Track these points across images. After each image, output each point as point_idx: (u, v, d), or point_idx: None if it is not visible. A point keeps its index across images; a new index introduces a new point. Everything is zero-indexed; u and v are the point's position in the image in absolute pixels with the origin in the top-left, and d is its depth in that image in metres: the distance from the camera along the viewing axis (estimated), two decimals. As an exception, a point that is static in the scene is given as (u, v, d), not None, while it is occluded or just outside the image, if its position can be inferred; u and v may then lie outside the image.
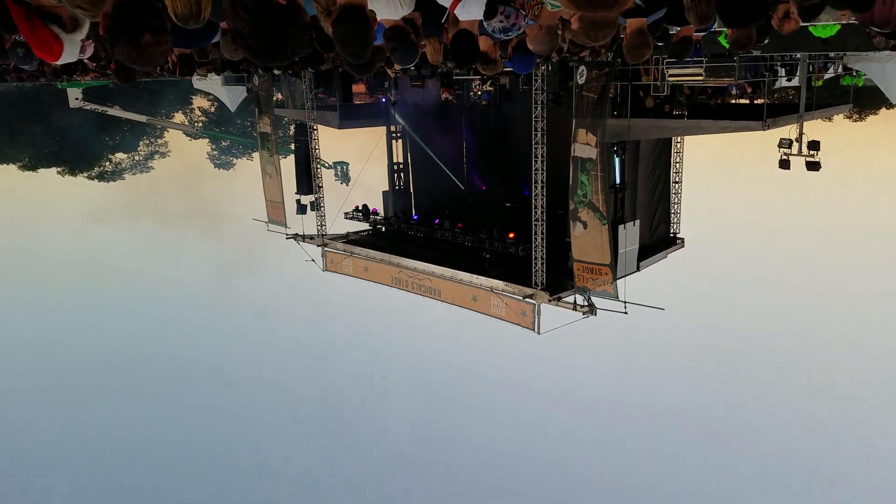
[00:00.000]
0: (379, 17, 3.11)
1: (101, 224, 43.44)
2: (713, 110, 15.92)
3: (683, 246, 17.71)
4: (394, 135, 21.74)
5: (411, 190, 21.70)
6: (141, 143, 42.96)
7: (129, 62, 1.62)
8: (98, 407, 35.61)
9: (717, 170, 33.92)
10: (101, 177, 42.50)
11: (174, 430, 35.23)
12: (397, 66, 4.39)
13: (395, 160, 21.86)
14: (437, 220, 18.34)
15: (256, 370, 38.71)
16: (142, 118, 33.78)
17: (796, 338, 34.02)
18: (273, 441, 35.58)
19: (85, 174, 41.99)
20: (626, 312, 14.09)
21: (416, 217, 19.83)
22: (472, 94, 18.16)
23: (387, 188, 21.90)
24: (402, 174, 21.91)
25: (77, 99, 26.43)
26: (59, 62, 2.90)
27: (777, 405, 32.87)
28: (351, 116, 20.13)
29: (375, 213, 20.49)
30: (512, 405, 36.14)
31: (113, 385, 36.84)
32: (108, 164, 42.67)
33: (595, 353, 33.40)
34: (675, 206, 17.85)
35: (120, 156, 42.90)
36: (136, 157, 43.12)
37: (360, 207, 20.45)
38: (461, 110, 19.00)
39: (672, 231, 17.89)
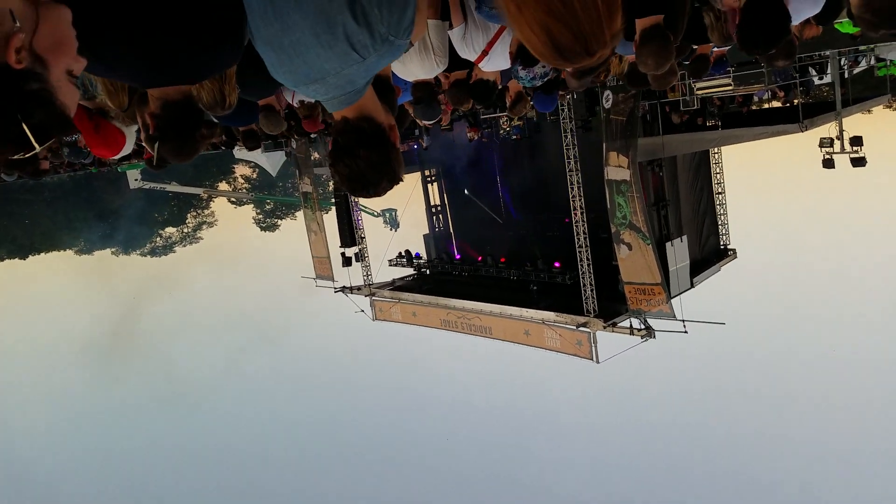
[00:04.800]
0: (412, 78, 3.24)
1: (156, 300, 45.20)
2: (747, 118, 15.66)
3: (736, 256, 17.23)
4: (429, 179, 22.08)
5: (451, 231, 21.84)
6: (188, 215, 44.64)
7: (174, 157, 1.65)
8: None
9: (761, 176, 33.15)
10: (153, 252, 44.14)
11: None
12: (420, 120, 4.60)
13: (432, 203, 22.13)
14: (479, 258, 18.34)
15: (323, 423, 38.91)
16: (198, 191, 35.24)
17: (865, 338, 32.36)
18: (339, 485, 35.41)
19: (138, 252, 43.75)
20: (685, 331, 13.65)
21: (458, 257, 19.87)
22: (501, 130, 18.36)
23: (427, 231, 22.12)
24: (440, 216, 22.12)
25: (136, 180, 27.50)
26: (119, 156, 3.13)
27: (850, 418, 31.11)
28: (385, 166, 20.53)
29: (418, 257, 20.61)
30: (578, 438, 35.16)
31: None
32: (158, 239, 44.38)
33: (660, 377, 32.43)
34: (723, 218, 17.46)
35: (170, 230, 44.59)
36: (185, 230, 44.71)
37: (403, 253, 20.63)
38: (492, 147, 19.19)
39: (723, 243, 17.45)
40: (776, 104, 17.14)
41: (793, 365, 33.76)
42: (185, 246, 44.38)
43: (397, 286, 19.50)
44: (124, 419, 38.31)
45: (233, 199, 42.92)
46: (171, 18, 1.22)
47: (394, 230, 22.85)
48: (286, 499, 35.68)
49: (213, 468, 36.83)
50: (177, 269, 44.31)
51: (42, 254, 43.79)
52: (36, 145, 0.86)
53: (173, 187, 31.37)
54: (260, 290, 46.30)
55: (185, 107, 1.55)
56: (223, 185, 43.29)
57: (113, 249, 42.98)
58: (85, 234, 41.56)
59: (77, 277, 43.24)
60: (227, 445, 37.65)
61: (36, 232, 42.65)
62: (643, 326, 14.04)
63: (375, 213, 23.20)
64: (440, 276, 19.42)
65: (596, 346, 14.35)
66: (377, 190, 1.29)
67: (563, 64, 0.97)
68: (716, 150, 17.06)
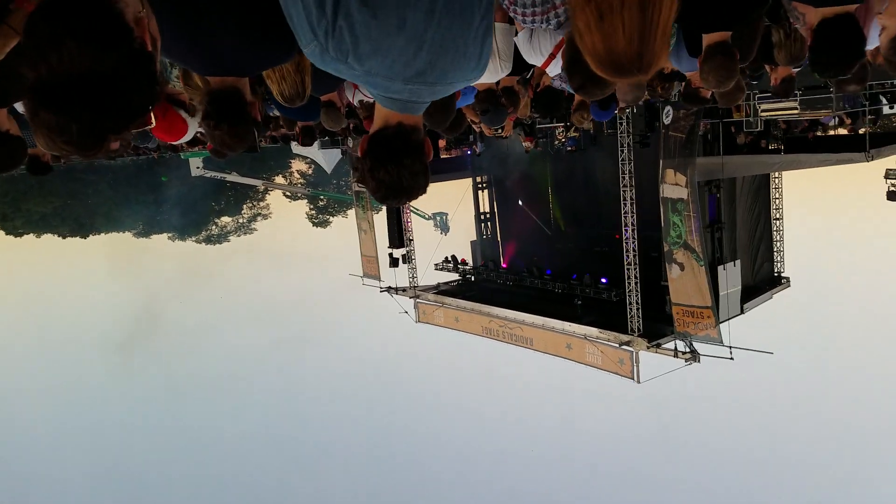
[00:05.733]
0: (474, 83, 3.32)
1: (208, 286, 46.55)
2: (811, 143, 15.21)
3: (789, 285, 16.73)
4: (480, 185, 22.15)
5: (499, 238, 21.85)
6: (244, 206, 45.54)
7: (222, 146, 1.73)
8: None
9: (821, 204, 32.00)
10: (209, 240, 45.24)
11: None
12: (485, 127, 4.69)
13: (481, 210, 22.18)
14: (524, 269, 18.31)
15: (362, 419, 39.30)
16: (258, 182, 36.01)
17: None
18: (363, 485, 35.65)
19: (193, 238, 45.01)
20: (731, 358, 13.36)
21: (504, 265, 19.84)
22: (556, 141, 18.27)
23: (474, 238, 22.18)
24: (489, 223, 22.16)
25: (198, 167, 28.34)
26: (179, 142, 3.32)
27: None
28: (438, 170, 20.64)
29: (464, 262, 20.68)
30: (615, 458, 34.59)
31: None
32: (214, 227, 45.42)
33: (701, 402, 31.64)
34: (779, 244, 16.97)
35: (225, 219, 45.58)
36: (241, 220, 45.63)
37: (450, 258, 20.72)
38: (546, 158, 19.14)
39: (776, 270, 16.96)
40: (843, 131, 16.58)
41: (839, 400, 32.46)
42: (239, 236, 45.33)
43: (441, 290, 19.59)
44: (142, 406, 39.29)
45: (287, 193, 43.60)
46: (224, 20, 1.31)
47: (444, 234, 22.95)
48: (298, 496, 36.04)
49: (229, 463, 37.44)
50: (228, 258, 45.59)
51: (102, 234, 45.47)
52: (154, 120, 0.99)
53: (233, 177, 32.13)
54: (307, 285, 47.22)
55: (232, 98, 1.59)
56: (279, 179, 44.10)
57: (170, 234, 44.30)
58: (144, 217, 43.02)
59: (131, 259, 44.91)
60: (249, 439, 38.31)
61: (98, 212, 44.20)
62: (688, 349, 13.79)
63: (426, 216, 23.35)
64: (485, 284, 19.43)
65: (638, 366, 14.16)
66: (410, 198, 1.27)
67: (617, 77, 0.98)
68: (777, 174, 16.62)
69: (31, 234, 43.08)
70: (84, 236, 44.85)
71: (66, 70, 0.86)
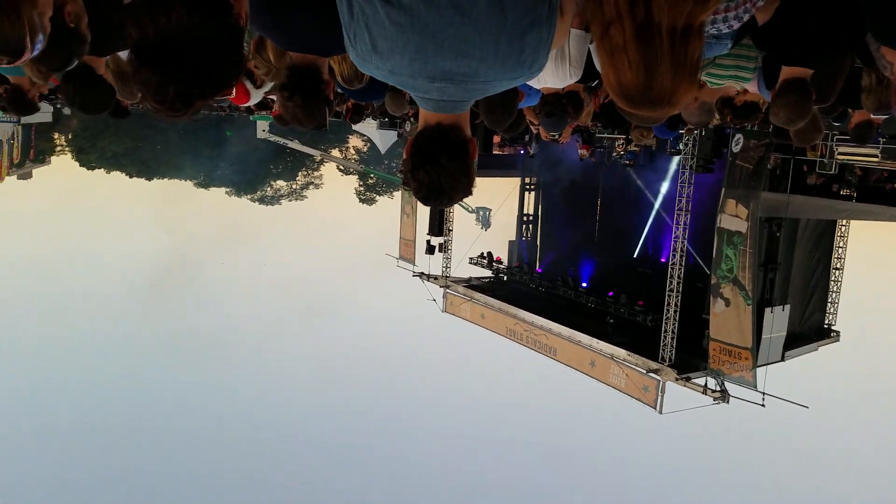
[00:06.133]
0: (539, 85, 3.20)
1: (249, 245, 47.73)
2: (888, 195, 14.24)
3: (838, 340, 15.78)
4: (528, 186, 21.89)
5: (538, 243, 21.52)
6: (300, 173, 46.81)
7: (293, 119, 1.84)
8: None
9: (888, 262, 30.12)
10: (262, 200, 46.67)
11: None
12: (543, 132, 4.56)
13: (525, 211, 21.92)
14: (560, 277, 17.93)
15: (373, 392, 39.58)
16: (315, 152, 37.23)
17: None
18: (375, 474, 35.88)
19: (248, 196, 46.33)
20: (763, 405, 12.68)
21: (539, 270, 19.46)
22: (614, 153, 17.75)
23: (513, 238, 21.93)
24: (530, 226, 21.89)
25: (264, 130, 29.61)
26: (248, 104, 3.67)
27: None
28: (488, 165, 20.40)
29: (499, 261, 20.46)
30: (628, 488, 33.77)
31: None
32: (269, 189, 46.83)
33: (723, 444, 30.49)
34: (834, 296, 16.01)
35: (280, 183, 46.97)
36: (294, 186, 46.99)
37: (485, 254, 20.55)
38: (600, 169, 18.62)
39: (827, 322, 16.02)
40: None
41: (871, 469, 30.68)
42: (290, 201, 46.53)
43: (472, 285, 19.43)
44: (150, 354, 39.83)
45: (341, 167, 44.69)
46: (313, 4, 1.46)
47: (484, 229, 22.83)
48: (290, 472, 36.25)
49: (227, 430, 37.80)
50: (276, 220, 46.67)
51: (165, 179, 47.29)
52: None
53: (294, 144, 33.26)
54: (343, 257, 47.88)
55: (311, 75, 1.71)
56: (336, 152, 44.98)
57: (227, 189, 45.76)
58: (206, 169, 44.48)
59: (186, 206, 46.49)
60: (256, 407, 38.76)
61: (164, 158, 46.00)
62: (719, 388, 13.22)
63: (469, 209, 23.29)
64: (516, 286, 19.18)
65: (663, 396, 13.64)
66: (451, 201, 1.27)
67: (634, 110, 1.00)
68: (844, 222, 15.68)
69: (102, 170, 45.47)
70: (149, 178, 47.02)
71: (173, 34, 0.92)
